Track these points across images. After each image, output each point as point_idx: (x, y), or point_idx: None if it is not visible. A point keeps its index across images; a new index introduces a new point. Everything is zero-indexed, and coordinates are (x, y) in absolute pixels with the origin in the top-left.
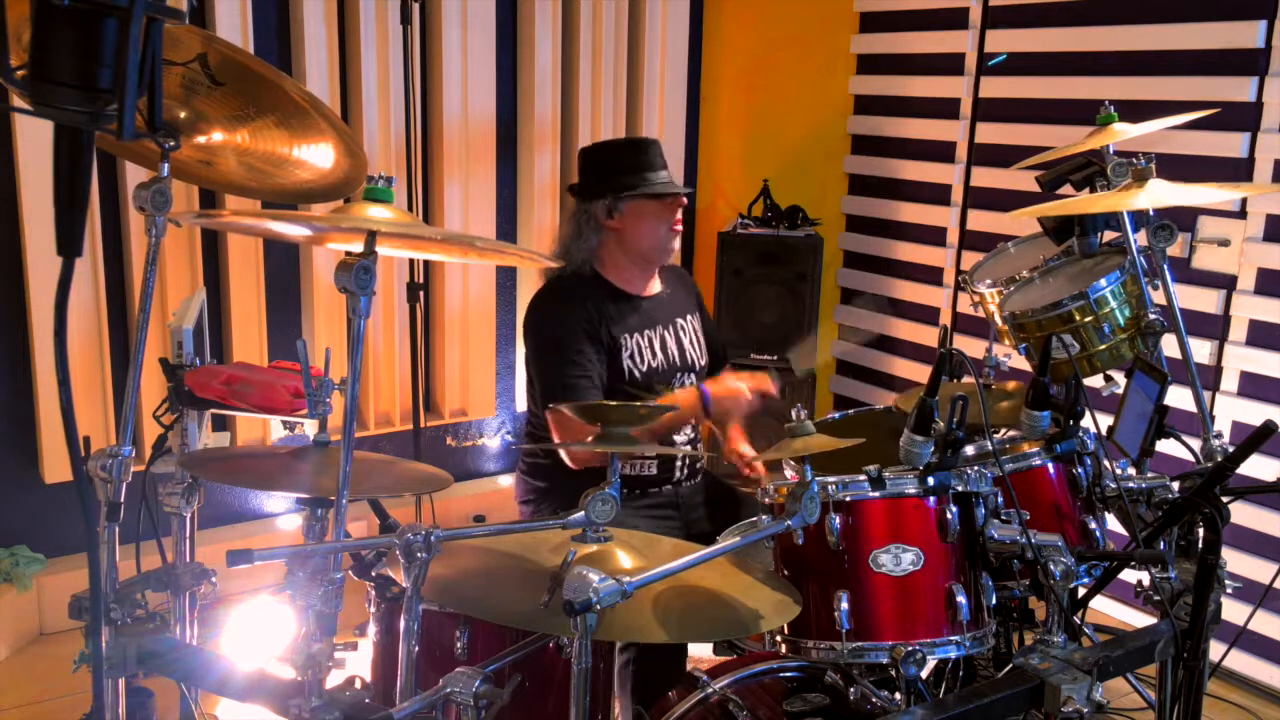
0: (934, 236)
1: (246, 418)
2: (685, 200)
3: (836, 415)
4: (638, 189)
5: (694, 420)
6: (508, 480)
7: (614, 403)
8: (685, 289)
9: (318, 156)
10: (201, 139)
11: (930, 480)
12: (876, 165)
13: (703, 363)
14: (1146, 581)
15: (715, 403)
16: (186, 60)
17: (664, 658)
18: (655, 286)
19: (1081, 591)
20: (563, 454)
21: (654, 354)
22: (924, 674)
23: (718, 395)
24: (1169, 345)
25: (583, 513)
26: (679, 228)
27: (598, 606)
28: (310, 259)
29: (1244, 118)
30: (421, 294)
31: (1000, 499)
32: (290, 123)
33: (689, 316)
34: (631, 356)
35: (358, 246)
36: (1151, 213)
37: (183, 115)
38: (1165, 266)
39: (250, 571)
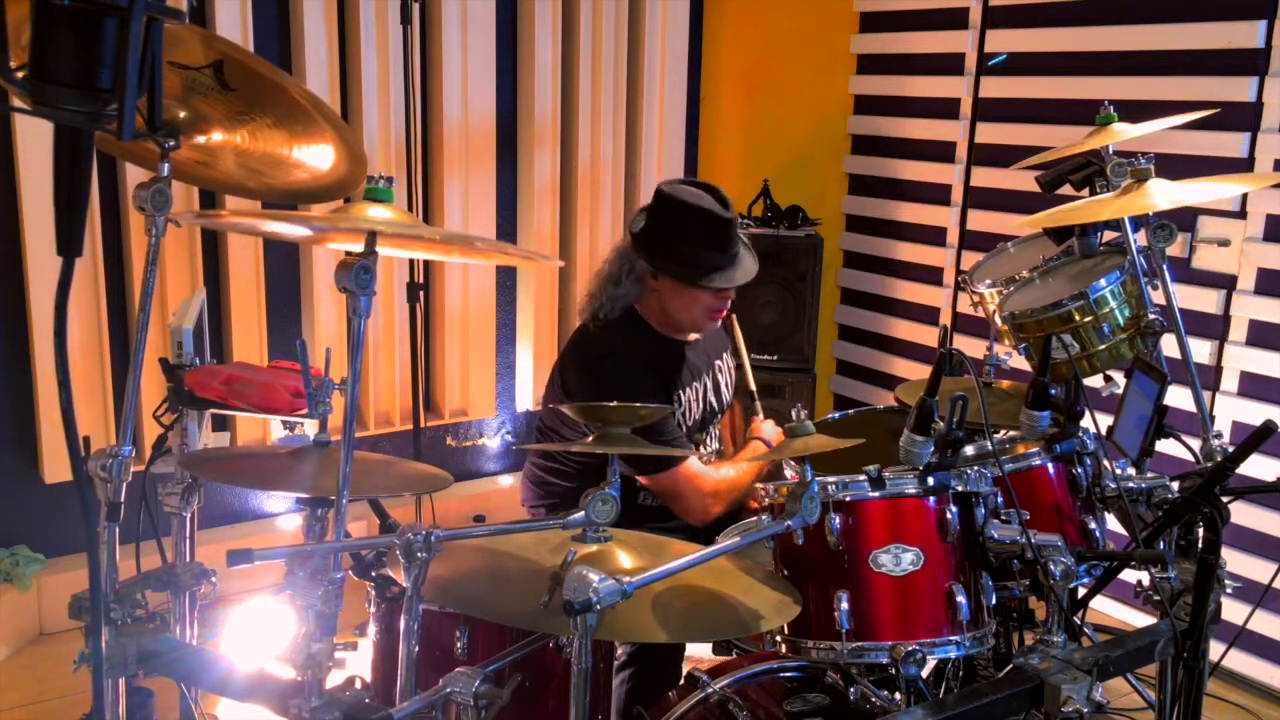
0: (934, 236)
1: (246, 418)
2: (734, 294)
3: (836, 415)
4: (683, 277)
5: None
6: (508, 480)
7: (613, 404)
8: (719, 330)
9: (317, 157)
10: (201, 139)
11: (930, 480)
12: (876, 165)
13: (728, 399)
14: (1146, 581)
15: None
16: (200, 65)
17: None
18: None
19: (1081, 591)
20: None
21: (699, 404)
22: (924, 674)
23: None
24: (1169, 345)
25: (583, 513)
26: (721, 315)
27: (598, 606)
28: (310, 259)
29: (1244, 118)
30: (421, 294)
31: (1000, 499)
32: (290, 123)
33: (724, 356)
34: (683, 413)
35: (358, 246)
36: (1151, 213)
37: (182, 115)
38: (1164, 266)
39: (250, 571)
